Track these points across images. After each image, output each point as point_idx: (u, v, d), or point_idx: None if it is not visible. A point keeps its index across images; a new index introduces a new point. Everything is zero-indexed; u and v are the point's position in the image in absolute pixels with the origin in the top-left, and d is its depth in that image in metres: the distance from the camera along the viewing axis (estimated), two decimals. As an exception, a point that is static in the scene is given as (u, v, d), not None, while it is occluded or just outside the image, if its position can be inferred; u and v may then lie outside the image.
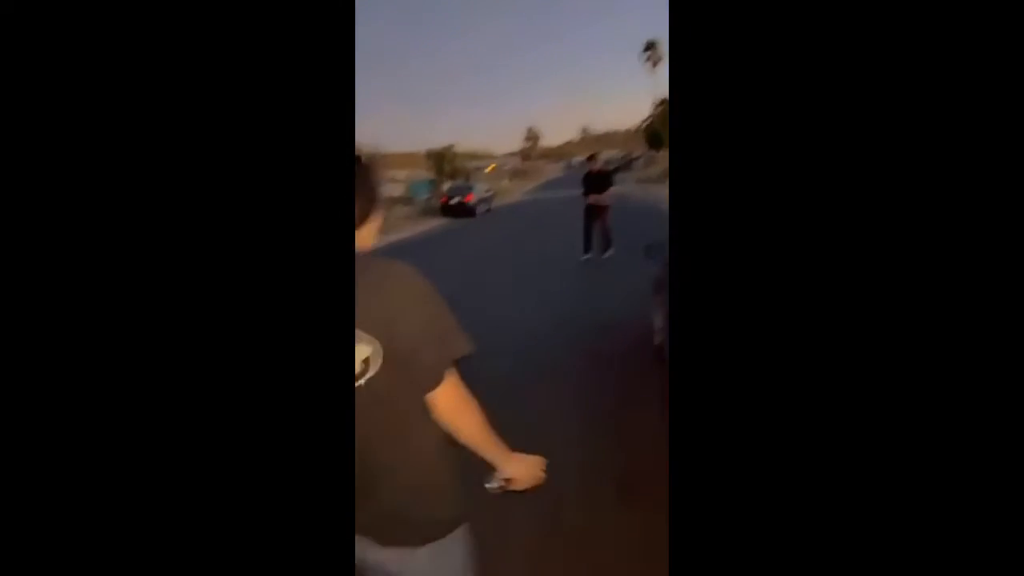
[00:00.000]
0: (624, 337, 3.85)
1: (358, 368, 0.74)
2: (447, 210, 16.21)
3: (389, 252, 0.95)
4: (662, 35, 55.92)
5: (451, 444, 0.84)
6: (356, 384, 0.74)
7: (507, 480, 0.89)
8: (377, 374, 0.75)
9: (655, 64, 55.75)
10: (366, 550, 0.81)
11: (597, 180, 6.90)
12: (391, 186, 20.77)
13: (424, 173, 24.09)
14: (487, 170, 36.28)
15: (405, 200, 20.26)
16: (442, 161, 23.94)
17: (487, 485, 0.89)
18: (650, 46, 55.91)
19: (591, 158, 7.27)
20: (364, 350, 0.74)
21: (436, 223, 14.89)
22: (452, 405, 0.80)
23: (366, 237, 0.82)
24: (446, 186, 19.35)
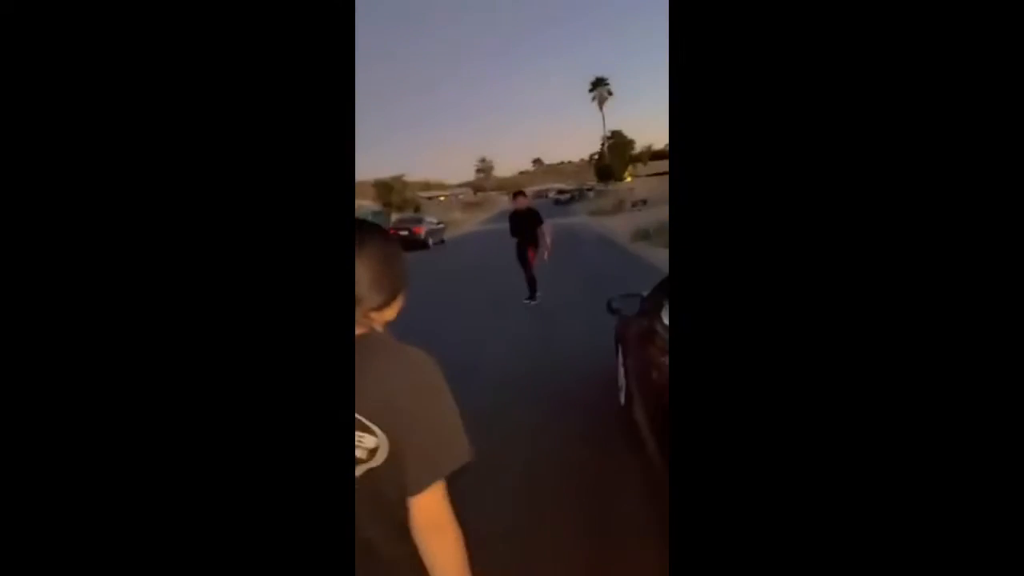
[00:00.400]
0: (582, 381, 3.59)
1: (364, 455, 0.71)
2: (395, 243, 15.49)
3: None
4: (609, 72, 58.32)
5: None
6: (356, 473, 0.70)
7: None
8: (380, 467, 0.71)
9: (602, 101, 57.79)
10: None
11: (525, 219, 6.03)
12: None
13: (371, 204, 23.35)
14: (440, 198, 35.77)
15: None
16: (390, 192, 23.26)
17: None
18: (597, 83, 58.03)
19: (516, 196, 6.27)
20: (371, 440, 0.70)
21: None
22: (430, 522, 0.74)
23: (391, 313, 0.81)
24: (394, 218, 18.75)
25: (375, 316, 0.78)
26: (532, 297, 6.19)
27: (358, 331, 0.75)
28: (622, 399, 3.00)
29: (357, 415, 0.69)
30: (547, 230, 6.07)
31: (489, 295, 6.98)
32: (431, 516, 0.73)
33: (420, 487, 0.71)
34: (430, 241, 16.06)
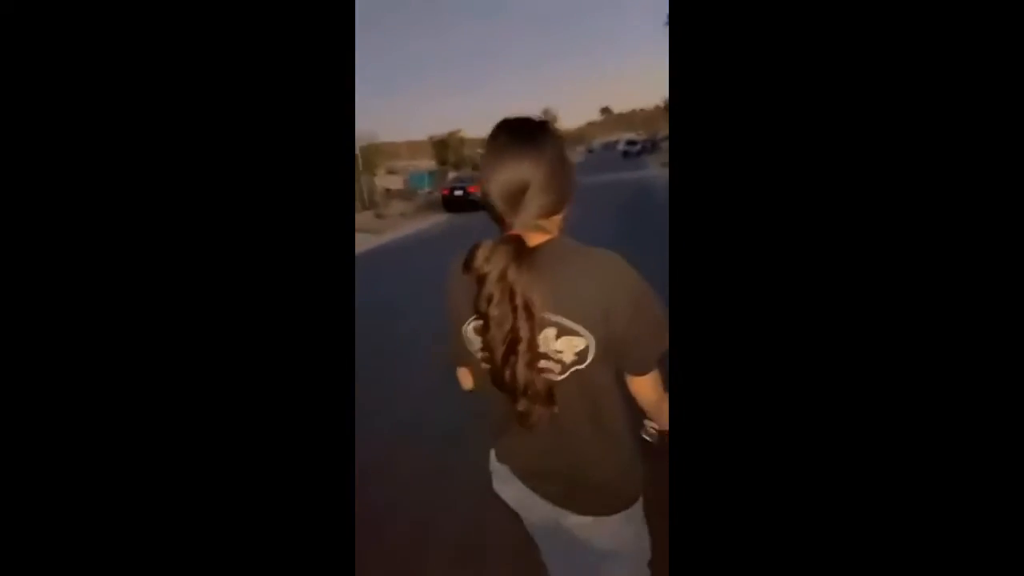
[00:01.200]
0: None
1: (571, 359, 0.75)
2: (449, 203, 14.62)
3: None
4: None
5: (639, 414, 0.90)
6: (563, 374, 0.76)
7: (661, 431, 0.96)
8: (587, 367, 0.76)
9: (679, 37, 52.47)
10: (566, 517, 0.89)
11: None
12: (389, 178, 19.42)
13: (428, 163, 22.65)
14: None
15: (405, 194, 18.80)
16: (447, 149, 22.30)
17: (646, 437, 0.99)
18: (673, 18, 52.66)
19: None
20: (580, 342, 0.74)
21: (438, 218, 13.51)
22: (650, 390, 0.85)
23: (560, 219, 0.81)
24: (451, 176, 17.93)
25: (555, 220, 0.78)
26: None
27: (541, 238, 0.76)
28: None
29: (563, 320, 0.72)
30: None
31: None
32: (651, 386, 0.82)
33: (645, 369, 0.80)
34: (487, 201, 15.09)
